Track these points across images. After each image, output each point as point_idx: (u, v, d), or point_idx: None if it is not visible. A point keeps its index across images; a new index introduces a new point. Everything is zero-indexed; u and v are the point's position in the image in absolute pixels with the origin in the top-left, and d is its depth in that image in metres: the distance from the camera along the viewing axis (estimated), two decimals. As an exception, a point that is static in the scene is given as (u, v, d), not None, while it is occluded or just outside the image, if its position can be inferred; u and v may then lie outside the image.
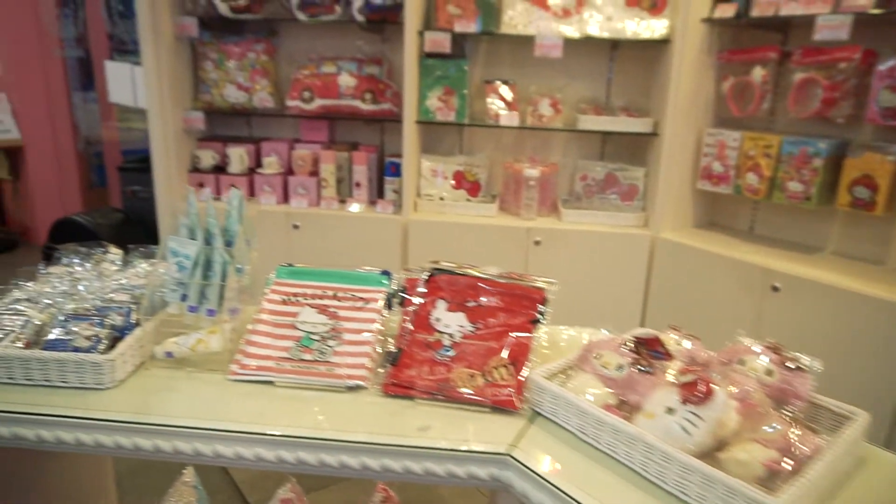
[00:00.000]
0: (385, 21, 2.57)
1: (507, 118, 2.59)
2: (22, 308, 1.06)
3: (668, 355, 0.97)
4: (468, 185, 2.85)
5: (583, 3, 2.53)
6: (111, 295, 1.13)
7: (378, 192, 2.78)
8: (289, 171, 2.77)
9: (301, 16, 2.59)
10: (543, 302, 1.12)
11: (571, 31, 2.50)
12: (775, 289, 2.08)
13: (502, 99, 2.66)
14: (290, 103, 2.64)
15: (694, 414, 0.83)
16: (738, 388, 0.86)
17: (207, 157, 2.73)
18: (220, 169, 2.79)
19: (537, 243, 2.56)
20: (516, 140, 2.86)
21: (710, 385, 0.84)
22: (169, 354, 1.11)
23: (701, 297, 2.35)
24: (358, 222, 2.61)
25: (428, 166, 2.75)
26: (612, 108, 2.71)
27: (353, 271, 1.22)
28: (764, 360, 0.97)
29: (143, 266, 1.27)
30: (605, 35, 2.50)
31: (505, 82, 2.69)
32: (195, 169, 2.76)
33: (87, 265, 1.23)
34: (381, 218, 2.61)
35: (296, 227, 2.63)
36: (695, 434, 0.82)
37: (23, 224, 4.83)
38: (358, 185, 2.69)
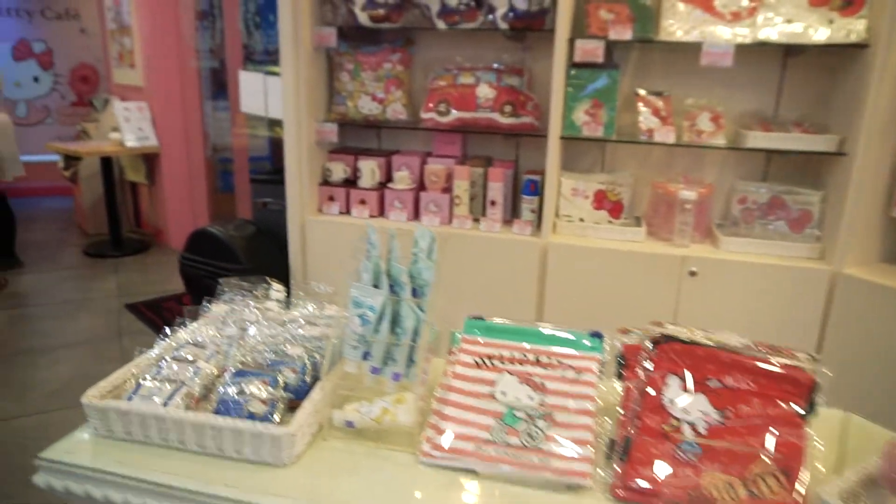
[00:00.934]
0: (529, 29, 2.40)
1: (662, 134, 2.34)
2: (190, 356, 0.97)
3: None
4: (609, 205, 2.62)
5: (756, 4, 2.23)
6: (283, 346, 1.01)
7: (513, 212, 2.61)
8: (420, 187, 2.66)
9: (440, 24, 2.47)
10: (812, 389, 0.88)
11: (742, 36, 2.22)
12: None
13: (655, 112, 2.40)
14: (426, 115, 2.53)
15: None
16: None
17: (338, 170, 2.67)
18: (349, 182, 2.72)
19: (692, 274, 2.29)
20: (665, 157, 2.60)
21: None
22: (349, 424, 0.96)
23: (892, 348, 1.99)
24: (493, 243, 2.44)
25: (568, 185, 2.54)
26: (783, 123, 2.39)
27: (557, 331, 1.03)
28: None
29: (309, 308, 1.15)
30: (783, 40, 2.20)
31: (658, 94, 2.44)
32: (325, 182, 2.71)
33: (252, 304, 1.12)
34: (517, 240, 2.43)
35: (426, 245, 2.50)
36: None
37: (156, 226, 5.08)
38: (493, 203, 2.52)
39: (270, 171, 2.81)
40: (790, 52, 2.36)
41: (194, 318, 1.15)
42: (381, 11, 2.46)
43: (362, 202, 2.65)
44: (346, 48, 2.60)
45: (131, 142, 4.49)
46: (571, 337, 1.01)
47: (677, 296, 2.32)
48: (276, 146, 6.03)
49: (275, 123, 4.96)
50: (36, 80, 6.64)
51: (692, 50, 2.42)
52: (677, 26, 2.29)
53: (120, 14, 4.80)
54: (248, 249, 2.54)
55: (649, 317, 2.44)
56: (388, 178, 2.74)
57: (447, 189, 2.59)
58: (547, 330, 1.02)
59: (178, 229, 4.89)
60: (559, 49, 2.21)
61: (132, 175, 5.14)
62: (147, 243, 4.91)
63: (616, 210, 2.62)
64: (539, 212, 2.51)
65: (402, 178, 2.61)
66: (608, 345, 1.01)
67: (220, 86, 4.99)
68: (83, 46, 6.73)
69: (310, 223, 2.62)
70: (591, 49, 2.23)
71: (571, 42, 2.27)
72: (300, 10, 2.43)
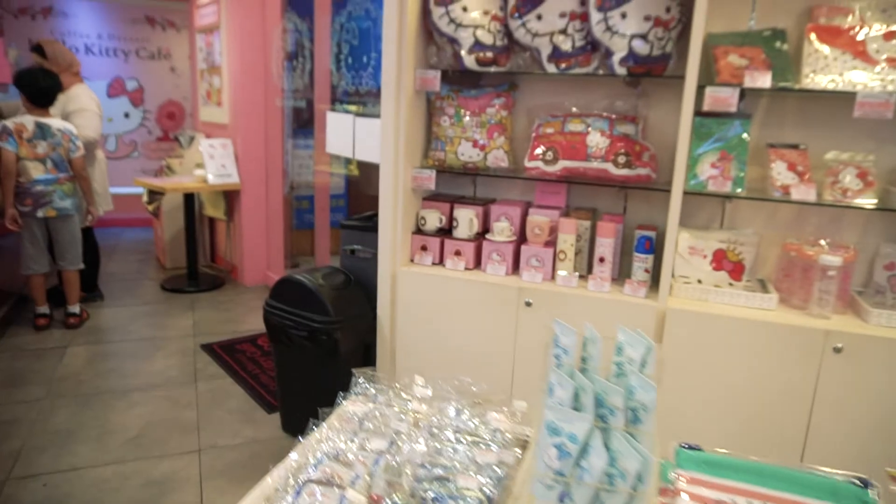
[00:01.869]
0: (649, 74, 2.22)
1: (801, 191, 2.08)
2: (333, 475, 0.78)
3: None
4: (730, 266, 2.36)
5: (916, 50, 1.99)
6: (459, 482, 0.80)
7: (621, 270, 2.39)
8: (520, 239, 2.48)
9: (551, 68, 2.32)
10: None
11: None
12: None
13: (791, 167, 2.16)
14: (530, 164, 2.36)
15: None
16: None
17: (433, 219, 2.52)
18: (444, 231, 2.57)
19: (837, 351, 2.00)
20: (795, 215, 2.33)
21: None
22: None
23: None
24: (602, 305, 2.22)
25: (685, 242, 2.30)
26: (942, 182, 2.10)
27: (807, 473, 0.79)
28: None
29: (465, 415, 0.94)
30: (951, 90, 1.93)
31: (793, 146, 2.20)
32: (418, 230, 2.57)
33: (393, 404, 0.95)
34: (630, 302, 2.20)
35: (528, 304, 2.30)
36: None
37: (231, 262, 5.08)
38: (602, 260, 2.31)
39: (361, 218, 2.68)
40: (952, 103, 2.09)
41: (326, 418, 0.97)
42: (489, 54, 2.33)
43: (457, 253, 2.48)
44: (446, 91, 2.48)
45: (214, 178, 4.52)
46: (827, 481, 0.77)
47: (817, 375, 2.03)
48: (352, 185, 6.04)
49: (349, 162, 4.93)
50: (126, 115, 6.90)
51: (833, 99, 2.18)
52: (822, 73, 2.06)
53: (211, 55, 4.91)
54: (337, 300, 2.40)
55: (783, 398, 2.15)
56: (485, 228, 2.57)
57: (550, 242, 2.40)
58: (796, 471, 0.79)
59: (253, 266, 4.87)
60: (688, 97, 2.01)
61: (211, 210, 5.19)
62: (222, 279, 4.90)
63: (737, 272, 2.36)
64: (653, 272, 2.29)
65: (502, 230, 2.44)
66: (878, 494, 0.76)
67: (301, 124, 5.02)
68: (172, 85, 6.98)
69: (402, 274, 2.47)
70: (723, 98, 2.02)
71: (700, 89, 2.07)
72: (405, 53, 2.32)
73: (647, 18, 2.17)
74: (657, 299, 2.19)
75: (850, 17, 2.13)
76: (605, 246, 2.31)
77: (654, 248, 2.28)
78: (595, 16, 2.20)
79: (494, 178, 2.64)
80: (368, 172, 5.99)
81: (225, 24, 4.58)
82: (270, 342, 2.57)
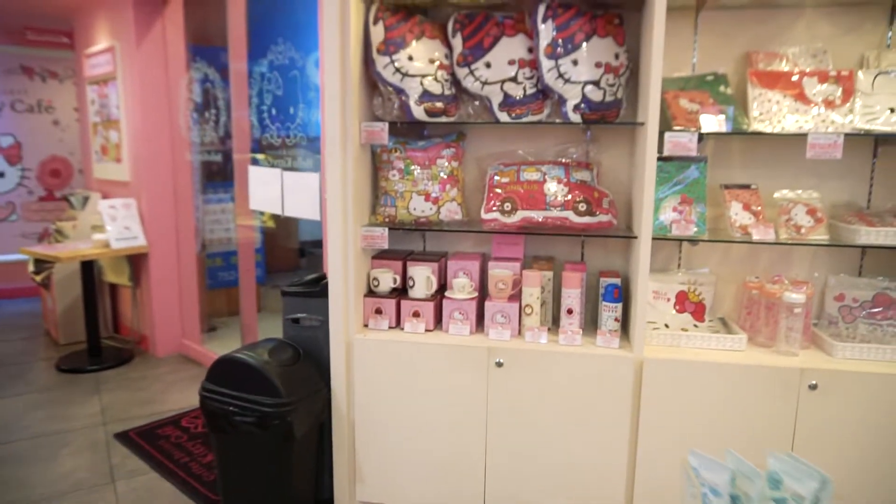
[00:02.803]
0: (603, 120, 2.19)
1: (760, 232, 2.11)
2: None
3: None
4: (692, 307, 2.36)
5: (849, 92, 2.08)
6: None
7: (586, 318, 2.31)
8: (480, 294, 2.35)
9: (503, 117, 2.24)
10: None
11: (837, 124, 2.05)
12: None
13: (746, 207, 2.19)
14: (488, 216, 2.25)
15: None
16: None
17: (387, 279, 2.35)
18: (398, 291, 2.39)
19: (812, 388, 2.00)
20: (747, 252, 2.37)
21: None
22: None
23: None
24: (577, 360, 2.12)
25: (649, 286, 2.27)
26: (880, 215, 2.20)
27: None
28: None
29: None
30: (887, 129, 2.03)
31: (746, 186, 2.24)
32: (371, 292, 2.38)
33: None
34: (605, 355, 2.11)
35: (499, 364, 2.16)
36: None
37: (139, 332, 4.59)
38: (570, 311, 2.22)
39: (305, 283, 2.45)
40: (882, 140, 2.21)
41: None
42: (439, 104, 2.22)
43: (416, 314, 2.31)
44: (392, 144, 2.34)
45: (118, 242, 4.08)
46: None
47: (795, 413, 2.03)
48: (268, 237, 5.70)
49: (262, 213, 4.64)
50: (1, 175, 6.19)
51: (778, 140, 2.25)
52: (769, 116, 2.11)
53: (106, 107, 4.49)
54: (287, 378, 2.15)
55: (766, 439, 2.13)
56: (441, 284, 2.42)
57: (514, 296, 2.29)
58: None
59: (166, 334, 4.42)
60: (651, 142, 1.99)
61: (113, 276, 4.69)
62: (129, 352, 4.40)
63: (699, 312, 2.36)
64: (623, 320, 2.23)
65: (463, 286, 2.30)
66: None
67: (210, 177, 4.69)
68: (55, 139, 6.36)
69: (357, 342, 2.25)
70: (682, 142, 2.02)
71: (661, 135, 2.06)
72: (349, 105, 2.16)
73: (597, 65, 2.15)
74: (632, 349, 2.12)
75: (784, 62, 2.21)
76: (573, 297, 2.23)
77: (622, 296, 2.22)
78: (546, 63, 2.15)
79: (444, 231, 2.50)
80: (285, 224, 5.71)
81: (122, 74, 4.22)
82: (210, 431, 2.26)
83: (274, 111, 3.11)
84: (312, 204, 2.89)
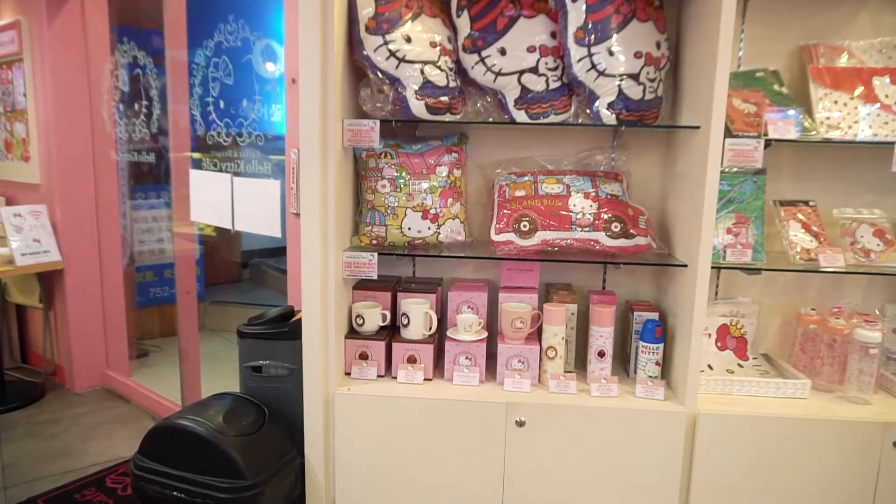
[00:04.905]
0: (641, 122, 1.80)
1: (828, 258, 1.77)
2: None
3: None
4: (733, 343, 2.01)
5: (925, 94, 1.78)
6: None
7: (616, 360, 1.93)
8: (489, 332, 1.92)
9: (521, 115, 1.82)
10: None
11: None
12: None
13: (806, 227, 1.85)
14: (499, 237, 1.82)
15: None
16: None
17: (374, 316, 1.88)
18: (386, 329, 1.93)
19: None
20: (795, 279, 2.04)
21: None
22: None
23: None
24: (615, 417, 1.72)
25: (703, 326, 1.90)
26: (948, 236, 1.91)
27: None
28: None
29: None
30: (971, 138, 1.74)
31: (802, 203, 1.91)
32: (353, 332, 1.91)
33: None
34: (649, 409, 1.72)
35: (520, 423, 1.74)
36: None
37: (52, 362, 3.91)
38: (601, 354, 1.82)
39: (268, 321, 1.96)
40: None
41: None
42: (444, 99, 1.77)
43: (412, 360, 1.86)
44: (382, 147, 1.87)
45: (24, 257, 3.41)
46: None
47: (877, 473, 1.70)
48: (207, 246, 5.07)
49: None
50: None
51: (838, 149, 1.93)
52: (836, 121, 1.78)
53: (10, 94, 3.79)
54: (250, 452, 1.65)
55: (843, 499, 1.81)
56: (439, 318, 1.98)
57: (531, 336, 1.87)
58: None
59: (86, 364, 3.76)
60: (713, 150, 1.61)
61: (19, 297, 3.98)
62: (40, 388, 3.72)
63: (741, 348, 2.02)
64: (663, 364, 1.85)
65: (470, 324, 1.86)
66: None
67: (139, 179, 4.07)
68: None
69: (338, 397, 1.78)
70: (747, 151, 1.65)
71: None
72: (331, 99, 1.69)
73: (637, 55, 1.76)
74: (681, 402, 1.74)
75: (844, 57, 1.89)
76: (604, 336, 1.83)
77: (665, 335, 1.84)
78: (575, 51, 1.74)
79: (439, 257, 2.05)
80: (227, 234, 5.10)
81: (30, 55, 3.54)
82: (145, 520, 1.73)
83: (222, 104, 2.58)
84: (272, 218, 2.38)
